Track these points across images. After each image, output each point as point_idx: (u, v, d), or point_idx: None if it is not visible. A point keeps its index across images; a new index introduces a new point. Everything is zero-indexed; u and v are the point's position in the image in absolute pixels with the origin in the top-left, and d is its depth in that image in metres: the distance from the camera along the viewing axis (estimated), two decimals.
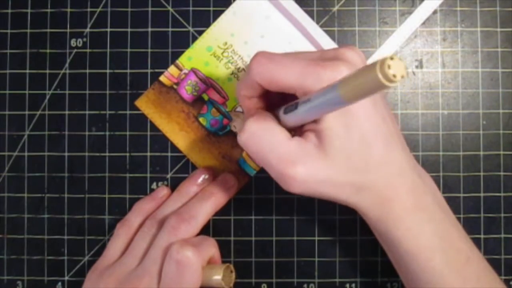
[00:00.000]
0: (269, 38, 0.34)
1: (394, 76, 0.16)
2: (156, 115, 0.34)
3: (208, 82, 0.34)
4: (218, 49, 0.34)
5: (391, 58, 0.16)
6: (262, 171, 0.33)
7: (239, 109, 0.34)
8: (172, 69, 0.34)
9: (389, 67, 0.16)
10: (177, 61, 0.34)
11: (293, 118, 0.24)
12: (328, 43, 0.33)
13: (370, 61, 0.34)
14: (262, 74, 0.24)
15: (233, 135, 0.34)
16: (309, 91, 0.23)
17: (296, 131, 0.26)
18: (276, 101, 0.27)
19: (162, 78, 0.34)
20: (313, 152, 0.24)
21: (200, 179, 0.32)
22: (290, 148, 0.24)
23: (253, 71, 0.25)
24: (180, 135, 0.34)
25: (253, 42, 0.34)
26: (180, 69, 0.34)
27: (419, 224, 0.25)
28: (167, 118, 0.34)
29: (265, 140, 0.24)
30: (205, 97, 0.34)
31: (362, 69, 0.18)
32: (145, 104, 0.34)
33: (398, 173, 0.25)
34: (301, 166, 0.24)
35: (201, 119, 0.34)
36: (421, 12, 0.33)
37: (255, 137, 0.25)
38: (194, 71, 0.34)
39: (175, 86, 0.34)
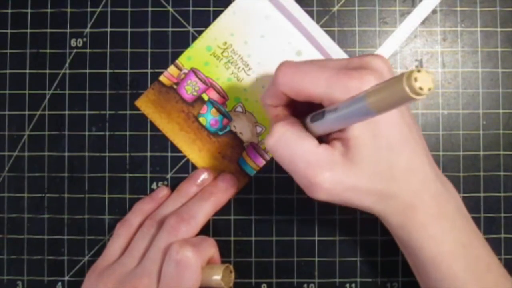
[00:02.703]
0: (269, 38, 0.34)
1: (421, 88, 0.16)
2: (156, 115, 0.34)
3: (207, 82, 0.34)
4: (218, 49, 0.34)
5: (418, 71, 0.16)
6: (262, 171, 0.33)
7: (239, 109, 0.34)
8: (171, 69, 0.34)
9: (415, 79, 0.16)
10: (177, 61, 0.34)
11: (320, 126, 0.24)
12: (328, 43, 0.33)
13: None
14: (289, 84, 0.24)
15: (233, 135, 0.34)
16: (336, 101, 0.23)
17: (323, 138, 0.26)
18: (302, 109, 0.27)
19: (162, 78, 0.34)
20: (340, 160, 0.24)
21: (200, 179, 0.32)
22: (318, 154, 0.24)
23: (279, 81, 0.25)
24: (180, 135, 0.34)
25: (253, 42, 0.34)
26: (180, 69, 0.34)
27: (442, 231, 0.25)
28: (167, 118, 0.34)
29: (293, 145, 0.24)
30: (205, 97, 0.34)
31: (389, 81, 0.18)
32: (145, 104, 0.34)
33: (423, 181, 0.25)
34: (328, 173, 0.24)
35: (201, 119, 0.34)
36: (421, 12, 0.33)
37: (283, 142, 0.25)
38: (193, 71, 0.34)
39: (175, 86, 0.34)
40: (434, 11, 0.34)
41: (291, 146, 0.24)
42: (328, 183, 0.24)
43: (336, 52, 0.33)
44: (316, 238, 0.33)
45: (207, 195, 0.31)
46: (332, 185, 0.24)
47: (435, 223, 0.25)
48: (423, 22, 0.34)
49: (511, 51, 0.34)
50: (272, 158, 0.33)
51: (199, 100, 0.34)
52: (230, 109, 0.34)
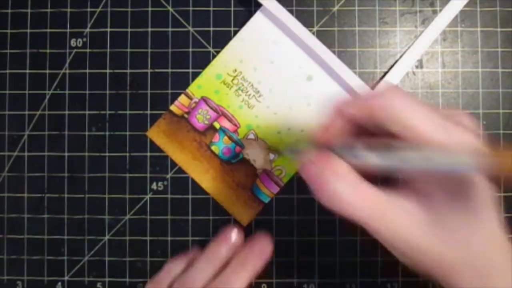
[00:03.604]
0: (278, 64, 0.33)
1: None
2: (169, 145, 0.34)
3: (219, 110, 0.34)
4: (228, 77, 0.33)
5: None
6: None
7: (251, 136, 0.33)
8: (182, 98, 0.34)
9: None
10: (187, 90, 0.33)
11: (388, 162, 0.22)
12: (339, 66, 0.32)
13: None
14: (390, 111, 0.22)
15: (246, 162, 0.33)
16: (432, 143, 0.21)
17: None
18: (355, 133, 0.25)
19: (172, 107, 0.34)
20: (416, 217, 0.22)
21: (231, 240, 0.30)
22: (392, 214, 0.22)
23: (382, 102, 0.22)
24: (193, 164, 0.33)
25: (262, 68, 0.33)
26: (191, 98, 0.34)
27: None
28: (180, 147, 0.33)
29: (355, 200, 0.22)
30: (217, 125, 0.34)
31: (504, 151, 0.17)
32: (157, 135, 0.34)
33: (500, 248, 0.24)
34: (406, 233, 0.22)
35: (213, 148, 0.34)
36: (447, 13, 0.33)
37: (344, 198, 0.22)
38: (204, 99, 0.34)
39: (186, 116, 0.34)
40: (434, 11, 0.34)
41: (352, 200, 0.22)
42: (403, 245, 0.22)
43: (348, 75, 0.32)
44: (316, 238, 0.33)
45: (243, 264, 0.29)
46: (406, 246, 0.22)
47: None
48: (423, 22, 0.34)
49: (511, 51, 0.34)
50: (285, 184, 0.33)
51: (211, 128, 0.34)
52: (242, 137, 0.34)
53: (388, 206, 0.22)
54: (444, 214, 0.22)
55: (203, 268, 0.29)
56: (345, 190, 0.22)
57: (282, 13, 0.32)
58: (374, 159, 0.22)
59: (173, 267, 0.30)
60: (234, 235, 0.30)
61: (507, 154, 0.18)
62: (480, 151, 0.18)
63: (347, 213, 0.23)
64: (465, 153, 0.19)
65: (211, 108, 0.34)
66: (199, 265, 0.30)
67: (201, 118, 0.33)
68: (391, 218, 0.22)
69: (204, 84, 0.34)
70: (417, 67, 0.34)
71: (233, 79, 0.33)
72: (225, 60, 0.34)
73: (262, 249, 0.29)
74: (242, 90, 0.34)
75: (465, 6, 0.34)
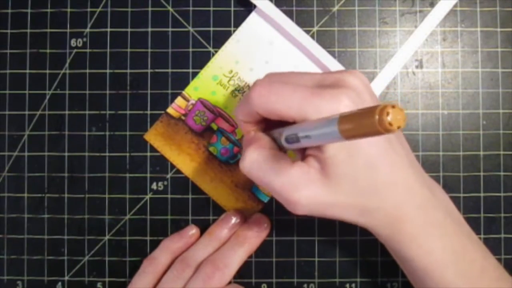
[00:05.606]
0: (274, 63, 0.33)
1: (390, 124, 0.16)
2: (166, 147, 0.34)
3: (216, 111, 0.34)
4: (224, 78, 0.33)
5: (392, 107, 0.16)
6: None
7: None
8: (179, 100, 0.34)
9: (387, 114, 0.16)
10: (184, 92, 0.33)
11: (295, 146, 0.24)
12: (332, 64, 0.33)
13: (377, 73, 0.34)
14: (262, 105, 0.24)
15: None
16: (299, 120, 0.23)
17: (298, 152, 0.26)
18: (274, 122, 0.27)
19: (169, 110, 0.33)
20: (316, 177, 0.24)
21: (231, 223, 0.32)
22: (293, 174, 0.24)
23: (253, 101, 0.24)
24: (191, 166, 0.33)
25: (258, 68, 0.33)
26: (187, 100, 0.34)
27: (431, 240, 0.25)
28: (177, 150, 0.33)
29: (267, 167, 0.24)
30: (214, 126, 0.34)
31: (362, 110, 0.17)
32: (154, 137, 0.34)
33: (406, 192, 0.24)
34: (305, 190, 0.23)
35: (211, 149, 0.34)
36: (439, 12, 0.33)
37: (257, 165, 0.24)
38: (201, 101, 0.34)
39: (183, 118, 0.34)
40: None
41: (264, 168, 0.24)
42: (305, 200, 0.23)
43: None
44: (316, 238, 0.33)
45: (241, 240, 0.31)
46: (310, 201, 0.23)
47: (423, 233, 0.25)
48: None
49: (511, 51, 0.34)
50: None
51: (208, 130, 0.34)
52: (240, 137, 0.34)
53: (289, 169, 0.24)
54: (343, 171, 0.23)
55: (203, 249, 0.31)
56: (263, 159, 0.24)
57: (276, 13, 0.32)
58: (288, 146, 0.24)
59: (170, 245, 0.31)
60: (235, 219, 0.32)
61: (354, 117, 0.17)
62: (335, 118, 0.18)
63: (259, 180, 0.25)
64: (324, 123, 0.20)
65: (208, 109, 0.34)
66: (199, 245, 0.31)
67: (198, 120, 0.33)
68: (290, 180, 0.24)
69: (201, 85, 0.34)
70: (417, 67, 0.34)
71: (229, 80, 0.34)
72: (221, 61, 0.34)
73: (260, 227, 0.32)
74: (238, 91, 0.34)
75: (465, 6, 0.34)
